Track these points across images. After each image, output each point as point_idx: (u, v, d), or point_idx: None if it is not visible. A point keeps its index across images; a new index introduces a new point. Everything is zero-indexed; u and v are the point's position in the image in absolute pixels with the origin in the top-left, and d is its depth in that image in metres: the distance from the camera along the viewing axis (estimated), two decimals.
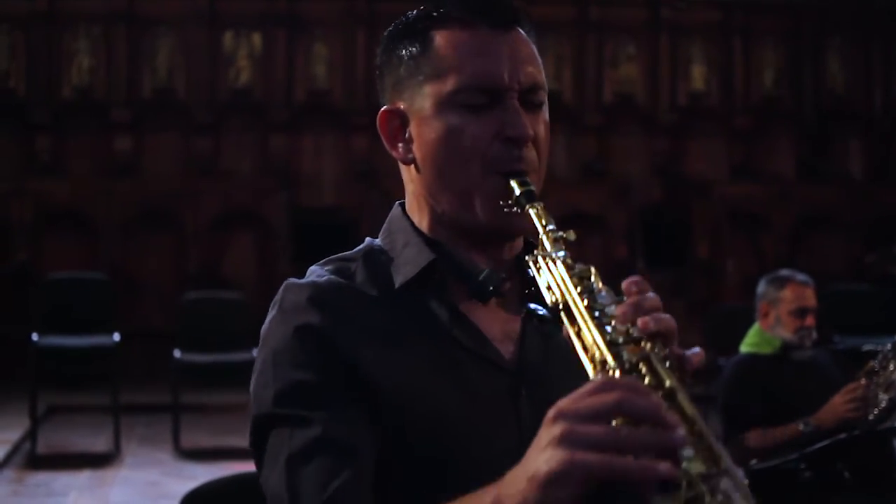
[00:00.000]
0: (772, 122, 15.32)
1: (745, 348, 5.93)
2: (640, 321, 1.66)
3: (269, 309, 2.02)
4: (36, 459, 9.82)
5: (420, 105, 2.02)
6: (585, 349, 1.68)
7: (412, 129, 2.05)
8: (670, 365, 1.62)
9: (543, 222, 1.90)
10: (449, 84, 1.99)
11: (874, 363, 5.52)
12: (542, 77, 2.05)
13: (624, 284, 1.73)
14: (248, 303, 11.32)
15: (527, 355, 2.02)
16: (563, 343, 1.78)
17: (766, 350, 5.82)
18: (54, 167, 14.04)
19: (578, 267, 1.81)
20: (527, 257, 1.88)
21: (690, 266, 14.24)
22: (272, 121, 14.43)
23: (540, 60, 2.06)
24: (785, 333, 5.79)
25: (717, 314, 11.22)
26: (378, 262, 2.07)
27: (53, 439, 10.43)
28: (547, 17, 14.10)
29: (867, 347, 5.94)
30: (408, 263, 2.03)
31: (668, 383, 1.56)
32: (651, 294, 1.72)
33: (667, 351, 1.65)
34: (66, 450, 10.18)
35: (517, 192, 1.94)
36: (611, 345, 1.65)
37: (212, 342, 10.56)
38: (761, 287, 5.99)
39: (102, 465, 9.70)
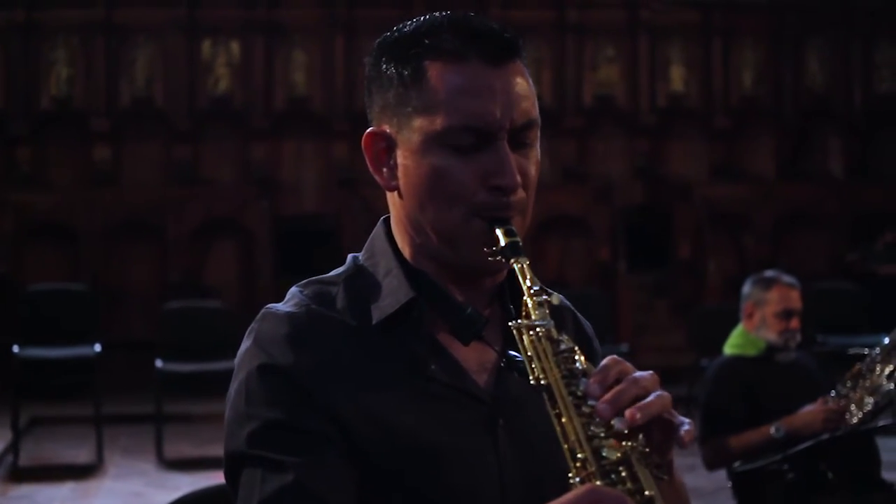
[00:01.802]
0: (752, 122, 15.36)
1: (728, 350, 5.90)
2: (627, 413, 1.65)
3: (245, 336, 1.98)
4: (18, 472, 9.77)
5: (407, 136, 1.96)
6: (565, 436, 1.68)
7: (398, 156, 1.98)
8: (650, 462, 1.65)
9: (528, 282, 1.84)
10: (438, 122, 1.92)
11: (861, 366, 5.52)
12: (536, 111, 1.98)
13: (598, 373, 1.71)
14: (231, 311, 11.30)
15: (503, 386, 1.99)
16: None
17: (751, 352, 5.80)
18: (34, 178, 14.01)
19: (564, 345, 1.77)
20: (511, 324, 1.82)
21: (672, 267, 14.25)
22: (252, 128, 14.42)
23: (535, 92, 1.99)
24: (769, 335, 5.77)
25: (700, 314, 11.24)
26: (359, 286, 2.02)
27: (36, 451, 10.39)
28: (526, 21, 14.12)
29: (853, 350, 5.96)
30: (388, 296, 1.99)
31: (647, 492, 1.60)
32: (634, 376, 1.70)
33: (646, 450, 1.67)
34: (49, 461, 10.13)
35: (502, 241, 1.89)
36: (591, 440, 1.66)
37: (194, 351, 10.52)
38: (747, 288, 5.96)
39: (85, 476, 9.66)
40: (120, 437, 10.69)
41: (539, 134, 2.01)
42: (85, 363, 10.53)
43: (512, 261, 1.87)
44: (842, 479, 5.17)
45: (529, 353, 1.77)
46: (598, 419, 1.67)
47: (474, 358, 1.99)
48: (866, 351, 5.71)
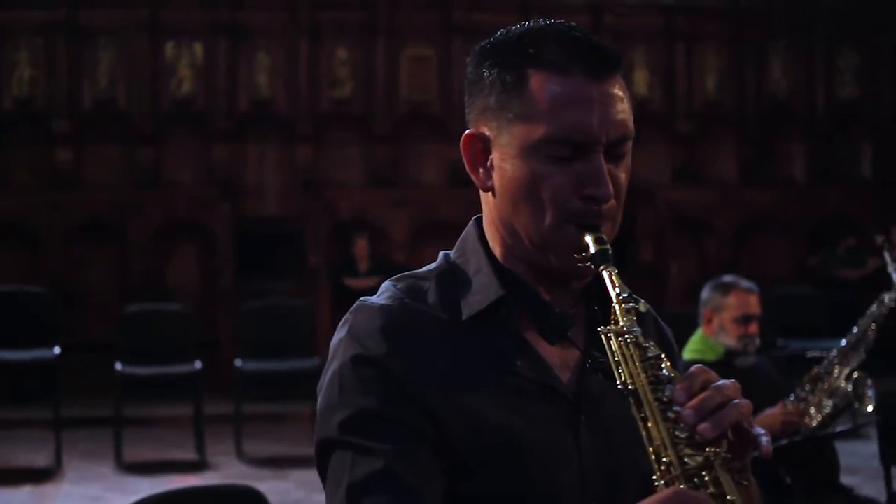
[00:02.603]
0: (714, 127, 15.40)
1: (688, 355, 5.91)
2: (700, 428, 1.73)
3: (339, 326, 2.05)
4: None
5: (506, 141, 2.01)
6: (650, 439, 1.77)
7: (495, 158, 2.04)
8: (731, 467, 1.74)
9: (617, 290, 1.91)
10: (538, 131, 1.97)
11: (819, 369, 5.54)
12: (632, 124, 2.04)
13: (684, 380, 1.79)
14: (192, 314, 11.28)
15: (585, 384, 2.04)
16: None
17: (710, 357, 5.80)
18: None
19: (651, 352, 1.85)
20: (600, 329, 1.90)
21: (634, 270, 14.25)
22: (215, 130, 14.36)
23: (630, 104, 2.04)
24: (728, 340, 5.78)
25: (662, 318, 11.23)
26: (450, 282, 2.08)
27: None
28: (490, 25, 13.89)
29: (812, 353, 5.98)
30: (477, 293, 2.05)
31: (729, 497, 1.69)
32: (718, 384, 1.79)
33: (728, 455, 1.76)
34: (7, 465, 10.08)
35: (592, 248, 1.95)
36: (676, 445, 1.75)
37: (154, 354, 10.50)
38: (705, 293, 5.97)
39: (44, 480, 9.61)
40: (79, 441, 10.63)
41: (632, 145, 2.06)
42: (44, 366, 10.49)
43: (601, 267, 1.93)
44: (801, 484, 5.18)
45: (617, 359, 1.86)
46: (682, 425, 1.75)
47: (559, 356, 2.05)
48: (824, 354, 5.73)
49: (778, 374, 5.92)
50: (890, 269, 5.75)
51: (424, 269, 2.13)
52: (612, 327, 1.88)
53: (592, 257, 1.94)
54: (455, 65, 14.30)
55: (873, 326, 5.66)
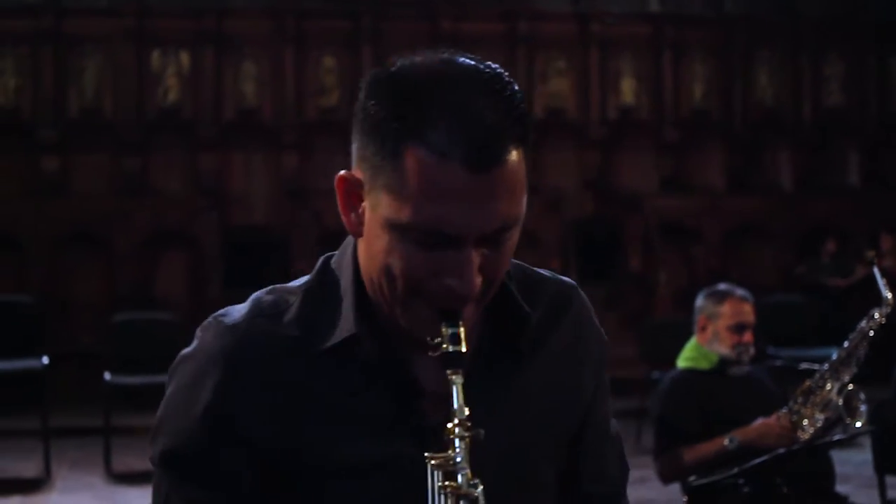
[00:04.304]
0: (701, 135, 15.42)
1: (682, 363, 5.89)
2: None
3: (194, 338, 1.96)
4: None
5: (374, 202, 1.81)
6: None
7: (365, 210, 1.84)
8: None
9: (457, 403, 1.77)
10: (403, 214, 1.76)
11: (811, 382, 5.54)
12: (519, 209, 1.81)
13: None
14: (180, 323, 11.25)
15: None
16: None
17: (704, 365, 5.79)
18: None
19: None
20: (425, 455, 1.79)
21: (623, 279, 14.29)
22: (201, 139, 14.33)
23: (524, 187, 1.82)
24: (722, 349, 5.76)
25: (650, 327, 11.27)
26: (317, 300, 1.94)
27: None
28: (475, 33, 14.15)
29: (804, 366, 5.97)
30: (335, 322, 1.90)
31: None
32: None
33: None
34: None
35: (445, 345, 1.79)
36: None
37: (143, 363, 10.45)
38: (699, 301, 5.95)
39: (33, 490, 9.56)
40: (68, 451, 10.59)
41: (521, 226, 1.85)
42: (32, 376, 10.43)
43: (449, 372, 1.78)
44: (796, 493, 5.17)
45: (433, 496, 1.78)
46: None
47: (432, 375, 1.87)
48: (816, 367, 5.73)
49: (772, 383, 5.92)
50: (879, 284, 5.74)
51: (298, 281, 2.00)
52: (439, 458, 1.77)
53: (444, 357, 1.79)
54: None
55: (864, 341, 5.65)
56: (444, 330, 1.80)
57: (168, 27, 14.31)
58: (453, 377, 1.78)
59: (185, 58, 14.41)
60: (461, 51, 1.91)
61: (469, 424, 1.76)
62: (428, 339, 1.81)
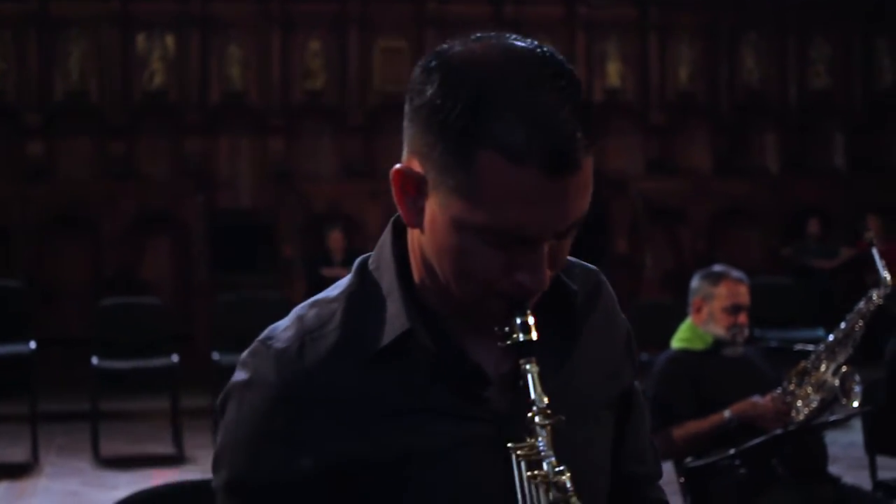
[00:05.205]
0: (688, 117, 15.44)
1: (676, 343, 5.89)
2: None
3: (238, 366, 1.92)
4: None
5: (442, 202, 1.76)
6: None
7: (428, 207, 1.79)
8: None
9: (535, 393, 1.78)
10: (477, 217, 1.72)
11: (806, 363, 5.55)
12: (588, 203, 1.81)
13: None
14: (166, 307, 11.24)
15: (518, 404, 1.84)
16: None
17: (698, 346, 5.79)
18: None
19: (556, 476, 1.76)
20: (509, 446, 1.79)
21: (609, 261, 14.26)
22: (187, 123, 14.31)
23: (591, 183, 1.80)
24: (717, 330, 5.76)
25: (638, 308, 11.26)
26: (361, 304, 1.91)
27: None
28: (461, 16, 14.13)
29: (798, 347, 5.97)
30: (385, 322, 1.86)
31: None
32: None
33: None
34: None
35: (516, 334, 1.79)
36: None
37: (130, 348, 10.46)
38: (695, 282, 5.94)
39: (20, 475, 9.55)
40: (55, 436, 10.58)
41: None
42: (19, 360, 10.42)
43: (522, 361, 1.79)
44: (791, 473, 5.19)
45: (522, 486, 1.78)
46: None
47: (494, 362, 1.88)
48: (811, 348, 5.73)
49: (766, 364, 5.92)
50: (878, 265, 5.73)
51: (336, 287, 1.95)
52: (523, 447, 1.77)
53: (516, 346, 1.79)
54: None
55: (861, 322, 5.66)
56: (513, 322, 1.80)
57: (153, 10, 14.29)
58: (527, 366, 1.78)
59: (170, 41, 14.38)
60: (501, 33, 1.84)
61: (549, 412, 1.76)
62: (496, 328, 1.81)
